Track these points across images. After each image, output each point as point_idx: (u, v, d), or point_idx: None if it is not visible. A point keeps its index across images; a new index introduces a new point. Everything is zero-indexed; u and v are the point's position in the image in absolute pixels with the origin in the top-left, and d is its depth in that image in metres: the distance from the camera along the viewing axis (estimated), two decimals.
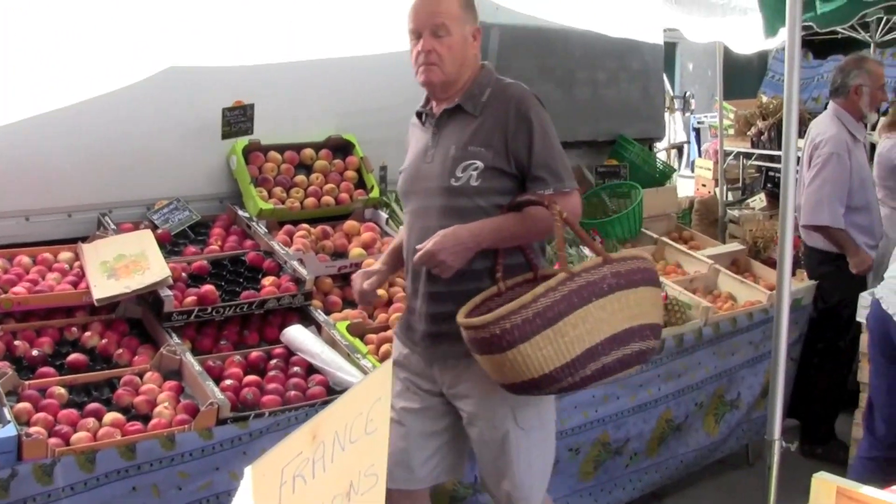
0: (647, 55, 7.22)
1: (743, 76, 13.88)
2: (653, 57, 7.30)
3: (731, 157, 9.84)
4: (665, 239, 6.05)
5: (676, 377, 4.90)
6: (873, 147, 6.57)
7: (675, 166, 13.40)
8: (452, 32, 3.16)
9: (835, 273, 5.65)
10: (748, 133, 9.47)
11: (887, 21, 9.69)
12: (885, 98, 5.96)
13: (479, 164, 3.10)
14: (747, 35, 8.27)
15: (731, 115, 10.08)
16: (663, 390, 4.85)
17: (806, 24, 7.49)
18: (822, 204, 5.53)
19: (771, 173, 9.51)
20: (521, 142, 3.10)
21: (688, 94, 18.09)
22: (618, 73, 6.91)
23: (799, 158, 5.84)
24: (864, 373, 5.19)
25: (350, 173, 5.31)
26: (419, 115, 3.44)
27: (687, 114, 17.85)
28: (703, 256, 5.82)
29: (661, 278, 5.19)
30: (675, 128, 17.50)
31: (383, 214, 5.15)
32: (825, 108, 5.96)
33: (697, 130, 17.50)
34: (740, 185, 10.47)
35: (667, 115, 16.83)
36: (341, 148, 5.40)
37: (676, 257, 5.89)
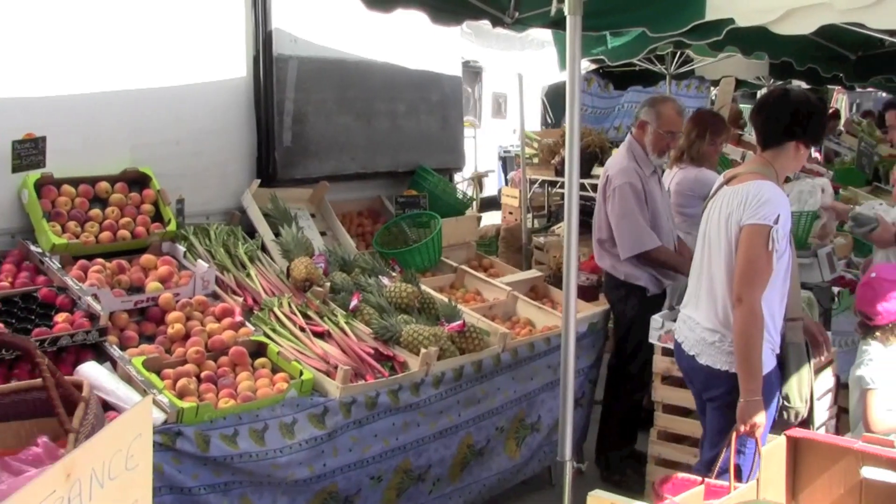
0: (447, 86, 7.33)
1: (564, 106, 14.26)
2: (451, 88, 7.42)
3: (536, 185, 10.11)
4: (464, 267, 6.16)
5: (476, 403, 4.99)
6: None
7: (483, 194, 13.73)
8: None
9: (624, 298, 5.80)
10: (552, 162, 9.72)
11: (682, 54, 10.19)
12: (672, 146, 5.93)
13: None
14: (544, 67, 8.60)
15: (536, 145, 10.36)
16: (464, 416, 4.92)
17: (598, 57, 7.88)
18: (637, 233, 5.60)
19: None
20: None
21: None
22: (417, 105, 7.00)
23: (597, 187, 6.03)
24: (658, 392, 5.43)
25: (147, 206, 5.21)
26: None
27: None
28: (501, 284, 5.96)
29: (461, 306, 5.30)
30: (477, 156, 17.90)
31: (181, 248, 5.06)
32: (627, 136, 6.04)
33: (504, 159, 17.89)
34: (546, 212, 10.77)
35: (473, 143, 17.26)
36: (137, 181, 5.28)
37: (476, 285, 6.00)
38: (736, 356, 3.99)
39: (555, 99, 14.74)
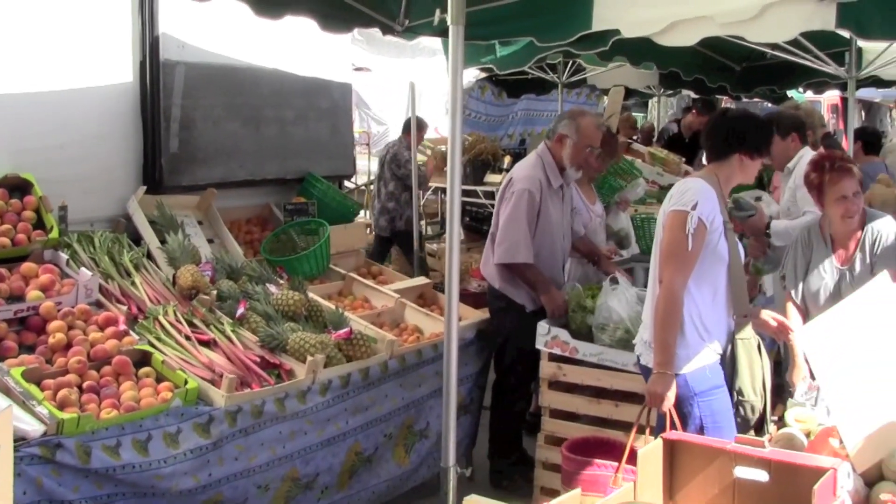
0: (336, 93, 7.34)
1: None
2: (342, 95, 7.44)
3: (429, 192, 10.16)
4: (353, 274, 6.18)
5: (364, 410, 5.01)
6: None
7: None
8: None
9: (503, 310, 5.83)
10: (445, 168, 9.75)
11: (573, 63, 10.35)
12: (593, 162, 5.95)
13: None
14: (435, 74, 8.65)
15: (430, 152, 10.40)
16: (351, 423, 4.94)
17: (487, 66, 7.98)
18: (516, 242, 5.62)
19: (469, 207, 9.89)
20: None
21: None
22: (306, 112, 6.99)
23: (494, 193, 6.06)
24: (545, 397, 5.53)
25: (28, 213, 5.08)
26: None
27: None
28: (390, 291, 6.00)
29: (348, 313, 5.32)
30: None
31: (63, 256, 4.97)
32: (520, 144, 6.03)
33: None
34: (439, 219, 10.82)
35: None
36: (18, 187, 5.16)
37: (364, 292, 6.03)
38: (653, 333, 4.19)
39: None
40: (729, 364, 4.29)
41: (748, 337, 4.30)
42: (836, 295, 4.89)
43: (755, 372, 4.28)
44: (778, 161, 6.27)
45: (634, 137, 11.88)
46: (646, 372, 4.32)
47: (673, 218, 4.16)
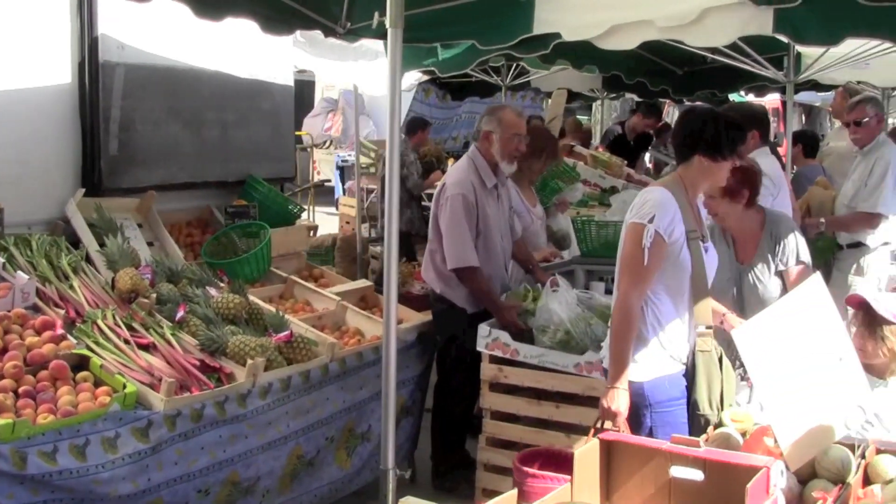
0: (278, 96, 7.34)
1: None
2: (283, 97, 7.43)
3: (373, 195, 10.16)
4: (294, 277, 6.17)
5: (305, 413, 5.01)
6: None
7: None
8: None
9: (446, 311, 5.86)
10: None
11: (517, 66, 10.42)
12: (521, 149, 5.89)
13: None
14: (377, 78, 8.67)
15: (373, 155, 10.42)
16: (292, 427, 4.93)
17: (430, 68, 8.01)
18: (462, 247, 5.64)
19: None
20: None
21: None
22: (248, 114, 6.98)
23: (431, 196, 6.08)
24: (486, 399, 5.56)
25: None
26: None
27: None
28: (331, 294, 5.99)
29: (289, 316, 5.32)
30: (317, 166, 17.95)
31: None
32: (464, 147, 6.05)
33: (342, 168, 17.90)
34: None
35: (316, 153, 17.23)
36: None
37: (305, 295, 6.02)
38: (609, 344, 4.18)
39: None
40: (689, 376, 4.28)
41: (709, 349, 4.26)
42: (739, 294, 5.01)
43: (713, 386, 4.25)
44: None
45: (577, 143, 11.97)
46: None
47: (631, 230, 4.11)
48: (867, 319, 4.07)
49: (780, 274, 4.98)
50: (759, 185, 5.00)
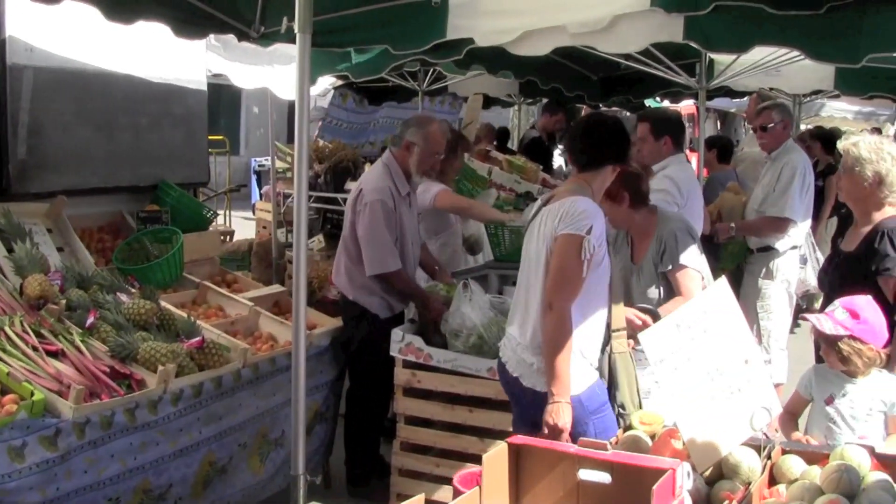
0: (191, 100, 7.27)
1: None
2: (196, 101, 7.36)
3: (290, 199, 10.10)
4: (207, 283, 6.13)
5: (217, 419, 4.98)
6: None
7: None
8: None
9: (356, 318, 5.90)
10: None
11: (434, 71, 10.44)
12: (437, 168, 6.06)
13: None
14: (290, 82, 8.62)
15: (289, 159, 10.34)
16: (205, 433, 4.90)
17: (343, 73, 8.01)
18: (382, 252, 5.69)
19: (329, 214, 9.89)
20: None
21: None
22: (160, 118, 6.91)
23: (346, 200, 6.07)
24: (399, 404, 5.60)
25: None
26: None
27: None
28: (244, 299, 5.97)
29: (201, 322, 5.30)
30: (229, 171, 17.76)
31: None
32: (381, 151, 6.07)
33: (258, 173, 17.73)
34: None
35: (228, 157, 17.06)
36: None
37: (218, 300, 5.99)
38: (544, 359, 4.11)
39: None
40: (608, 379, 4.32)
41: (623, 350, 4.33)
42: (628, 292, 5.06)
43: (632, 385, 4.33)
44: (648, 162, 6.24)
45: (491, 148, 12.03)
46: (531, 394, 4.27)
47: (566, 243, 4.06)
48: (823, 337, 4.17)
49: (664, 275, 5.05)
50: (642, 186, 5.09)
